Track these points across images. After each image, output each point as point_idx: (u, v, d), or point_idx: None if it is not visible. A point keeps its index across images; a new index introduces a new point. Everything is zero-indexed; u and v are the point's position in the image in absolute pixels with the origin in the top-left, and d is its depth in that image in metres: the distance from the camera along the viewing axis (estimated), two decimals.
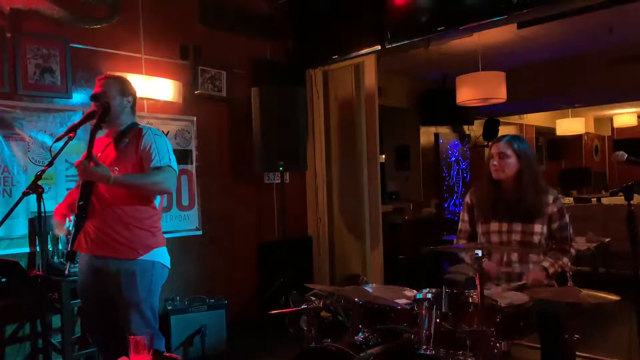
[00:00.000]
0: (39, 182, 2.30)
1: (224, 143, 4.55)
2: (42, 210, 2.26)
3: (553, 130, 9.46)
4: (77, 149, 3.25)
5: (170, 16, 4.20)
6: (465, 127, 8.03)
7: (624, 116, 10.55)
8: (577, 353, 2.32)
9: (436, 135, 7.65)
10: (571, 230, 2.70)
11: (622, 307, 2.28)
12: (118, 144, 2.50)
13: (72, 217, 2.42)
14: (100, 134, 2.55)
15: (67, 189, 3.40)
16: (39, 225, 3.26)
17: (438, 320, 2.01)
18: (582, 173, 10.30)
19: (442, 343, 1.98)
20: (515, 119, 9.31)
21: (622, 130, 11.11)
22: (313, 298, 2.45)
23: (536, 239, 2.67)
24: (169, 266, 2.57)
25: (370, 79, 4.57)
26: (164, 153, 2.47)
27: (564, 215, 2.68)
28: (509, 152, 2.70)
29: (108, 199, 2.41)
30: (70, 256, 2.42)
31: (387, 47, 4.29)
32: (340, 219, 4.98)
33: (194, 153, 4.32)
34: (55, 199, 3.39)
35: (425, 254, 5.44)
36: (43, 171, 2.32)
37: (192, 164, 4.30)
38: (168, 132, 4.10)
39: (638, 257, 2.25)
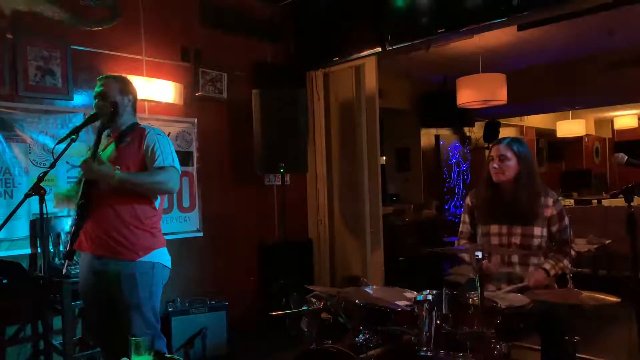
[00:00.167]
0: (41, 184, 2.31)
1: (225, 145, 4.56)
2: (44, 212, 2.27)
3: (554, 132, 9.46)
4: (78, 151, 3.25)
5: (171, 18, 4.21)
6: (466, 129, 8.03)
7: (624, 118, 10.55)
8: (578, 355, 2.31)
9: (437, 137, 7.66)
10: (571, 232, 2.70)
11: (622, 309, 2.28)
12: (119, 143, 2.49)
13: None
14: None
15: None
16: (40, 227, 3.27)
17: (438, 321, 2.01)
18: (583, 175, 10.30)
19: (443, 345, 1.98)
20: (515, 120, 9.32)
21: (622, 132, 11.11)
22: (314, 299, 2.45)
23: (536, 241, 2.68)
24: (170, 266, 2.57)
25: (370, 80, 4.57)
26: (167, 153, 2.48)
27: (564, 218, 2.69)
28: (509, 154, 2.70)
29: (109, 199, 2.40)
30: (69, 255, 2.42)
31: (387, 49, 4.29)
32: (341, 220, 4.98)
33: (195, 155, 4.32)
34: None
35: (426, 255, 5.44)
36: (45, 173, 2.33)
37: (193, 165, 4.31)
38: (169, 133, 4.11)
39: (638, 259, 2.26)
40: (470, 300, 2.07)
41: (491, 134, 7.73)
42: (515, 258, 2.71)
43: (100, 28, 3.78)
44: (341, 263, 4.95)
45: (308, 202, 5.14)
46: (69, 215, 3.39)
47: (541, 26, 4.69)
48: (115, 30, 3.86)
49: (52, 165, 2.33)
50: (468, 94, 5.41)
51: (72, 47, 3.64)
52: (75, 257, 2.62)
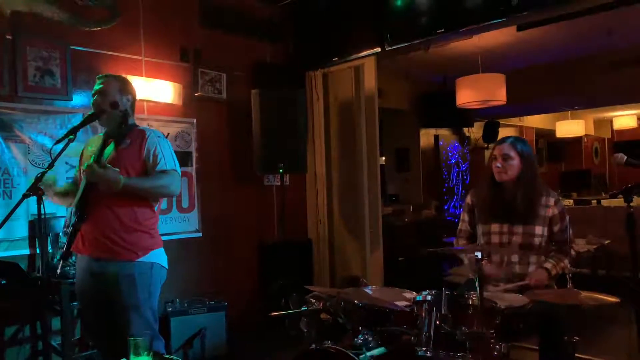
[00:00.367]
0: (39, 184, 2.30)
1: (224, 145, 4.55)
2: (43, 212, 2.26)
3: (553, 132, 9.47)
4: (76, 151, 3.24)
5: (170, 18, 4.21)
6: (465, 129, 8.03)
7: (623, 118, 10.56)
8: (577, 355, 2.31)
9: (436, 137, 7.66)
10: (571, 232, 2.71)
11: (622, 309, 2.28)
12: (118, 144, 2.47)
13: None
14: (101, 135, 2.56)
15: None
16: (39, 227, 3.26)
17: (438, 322, 2.01)
18: (582, 175, 10.31)
19: (442, 345, 1.98)
20: (515, 121, 9.32)
21: (621, 132, 11.12)
22: (313, 300, 2.44)
23: (537, 240, 2.68)
24: (167, 266, 2.57)
25: (370, 81, 4.57)
26: (168, 156, 2.48)
27: (565, 218, 2.70)
28: (513, 153, 2.70)
29: (108, 201, 2.39)
30: (65, 256, 2.41)
31: (387, 49, 4.30)
32: (340, 220, 4.98)
33: (194, 155, 4.32)
34: None
35: (425, 256, 5.44)
36: (43, 173, 2.33)
37: (192, 166, 4.30)
38: (168, 134, 4.11)
39: (638, 259, 2.26)
40: (470, 300, 2.07)
41: (490, 134, 7.74)
42: (515, 257, 2.71)
43: (99, 28, 3.78)
44: (340, 263, 4.95)
45: (307, 202, 5.14)
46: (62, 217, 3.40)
47: (540, 26, 4.69)
48: (115, 31, 3.85)
49: (50, 166, 2.33)
50: (467, 94, 5.41)
51: (71, 47, 3.64)
52: (70, 259, 2.61)
